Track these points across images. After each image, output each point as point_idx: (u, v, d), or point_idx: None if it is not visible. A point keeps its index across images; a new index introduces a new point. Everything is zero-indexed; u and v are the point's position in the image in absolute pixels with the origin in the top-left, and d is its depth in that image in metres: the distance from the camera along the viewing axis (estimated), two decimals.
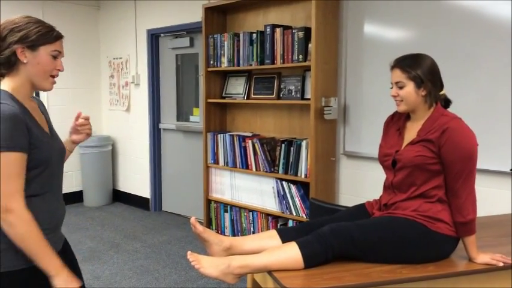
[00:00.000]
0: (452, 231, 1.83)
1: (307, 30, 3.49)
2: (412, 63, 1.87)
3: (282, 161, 3.71)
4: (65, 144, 1.73)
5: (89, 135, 1.86)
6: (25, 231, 1.42)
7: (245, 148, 3.97)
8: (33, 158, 1.47)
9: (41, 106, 1.67)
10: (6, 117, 1.40)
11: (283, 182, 3.71)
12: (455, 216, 1.82)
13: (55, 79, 1.58)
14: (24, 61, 1.51)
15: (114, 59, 5.80)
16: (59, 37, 1.57)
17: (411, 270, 1.76)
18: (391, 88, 1.92)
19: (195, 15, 4.60)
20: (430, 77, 1.86)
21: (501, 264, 1.79)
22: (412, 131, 1.93)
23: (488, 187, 2.90)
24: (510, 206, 2.79)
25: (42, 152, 1.50)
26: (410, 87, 1.86)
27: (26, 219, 1.42)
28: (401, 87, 1.88)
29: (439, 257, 1.85)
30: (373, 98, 3.42)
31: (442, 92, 1.92)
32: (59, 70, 1.58)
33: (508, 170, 2.83)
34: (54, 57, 1.55)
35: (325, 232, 1.76)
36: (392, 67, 1.92)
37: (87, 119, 1.83)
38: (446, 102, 1.96)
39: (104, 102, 6.03)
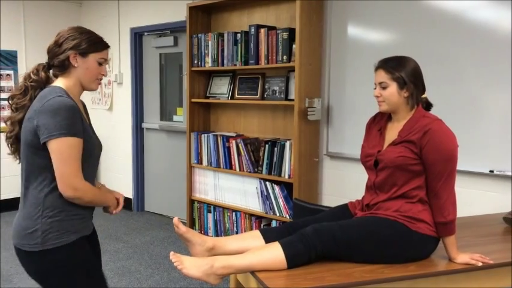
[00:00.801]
0: (433, 231, 1.86)
1: (291, 31, 3.50)
2: (396, 64, 1.90)
3: (265, 161, 3.72)
4: None
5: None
6: (90, 198, 1.76)
7: (229, 148, 3.96)
8: (84, 146, 1.71)
9: (85, 108, 1.94)
10: (68, 107, 1.66)
11: (267, 183, 3.72)
12: (436, 217, 1.84)
13: (101, 81, 1.88)
14: (75, 65, 1.77)
15: None
16: (106, 47, 1.83)
17: (392, 270, 1.77)
18: (375, 88, 1.95)
19: (179, 14, 4.58)
20: (412, 79, 1.89)
21: (480, 264, 1.82)
22: (392, 132, 1.95)
23: (468, 188, 2.95)
24: (489, 207, 2.84)
25: (88, 144, 1.74)
26: (393, 88, 1.89)
27: (88, 190, 1.74)
28: (384, 88, 1.90)
29: (419, 257, 1.87)
30: (356, 100, 3.45)
31: (424, 95, 1.96)
32: (103, 75, 1.85)
33: (487, 171, 2.89)
34: (100, 64, 1.82)
35: (308, 232, 1.77)
36: (377, 68, 1.94)
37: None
38: (428, 106, 1.99)
39: (86, 100, 5.89)
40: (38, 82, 1.78)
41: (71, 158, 1.66)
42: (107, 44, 1.85)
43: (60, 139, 1.64)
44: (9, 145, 1.84)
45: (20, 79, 1.82)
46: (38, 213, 1.71)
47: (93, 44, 1.78)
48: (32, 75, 1.79)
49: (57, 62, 1.77)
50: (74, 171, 1.68)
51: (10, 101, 1.80)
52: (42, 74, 1.80)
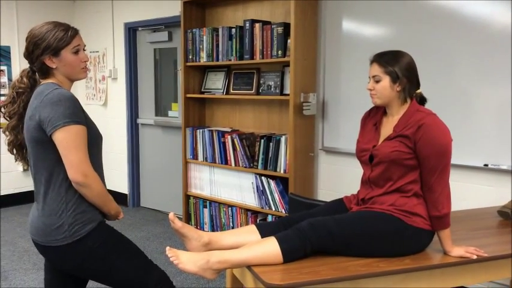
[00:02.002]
0: (428, 224, 1.87)
1: (286, 26, 3.49)
2: (390, 59, 1.90)
3: (261, 156, 3.72)
4: None
5: None
6: (100, 189, 1.76)
7: (224, 144, 3.96)
8: (88, 135, 1.73)
9: None
10: (68, 97, 1.68)
11: (263, 178, 3.72)
12: (431, 210, 1.85)
13: (86, 67, 1.85)
14: (54, 66, 1.77)
15: (90, 52, 5.70)
16: (74, 35, 1.79)
17: (388, 263, 1.79)
18: (369, 82, 1.95)
19: (173, 9, 4.56)
20: (406, 73, 1.89)
21: (475, 257, 1.84)
22: (388, 127, 1.96)
23: (462, 182, 2.96)
24: (484, 200, 2.85)
25: (92, 131, 1.77)
26: (386, 81, 1.89)
27: (98, 179, 1.75)
28: (377, 81, 1.91)
29: (415, 250, 1.88)
30: (351, 94, 3.45)
31: (418, 91, 1.96)
32: (85, 62, 1.83)
33: (481, 165, 2.90)
34: (76, 52, 1.79)
35: (304, 227, 1.78)
36: (371, 61, 1.95)
37: None
38: (422, 100, 2.00)
39: (80, 96, 5.92)
40: (24, 88, 1.81)
41: (78, 145, 1.67)
42: (75, 30, 1.80)
43: (65, 128, 1.65)
44: (12, 152, 1.88)
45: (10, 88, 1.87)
46: (61, 207, 1.74)
47: (60, 39, 1.75)
48: (17, 83, 1.82)
49: (36, 68, 1.79)
50: (83, 158, 1.68)
51: (2, 110, 1.84)
52: (25, 80, 1.82)
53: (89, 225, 1.77)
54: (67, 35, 1.77)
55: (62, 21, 1.83)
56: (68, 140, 1.66)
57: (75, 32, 1.80)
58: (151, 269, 1.89)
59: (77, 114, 1.68)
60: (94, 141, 1.79)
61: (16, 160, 1.91)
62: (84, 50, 1.83)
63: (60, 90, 1.71)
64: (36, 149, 1.75)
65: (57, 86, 1.74)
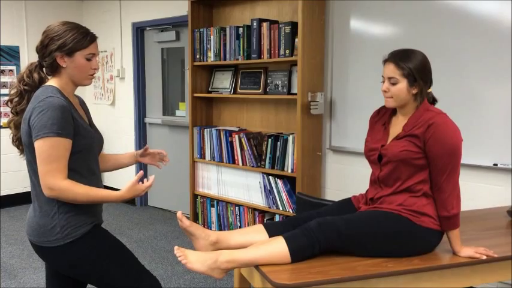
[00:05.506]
0: (437, 225, 1.86)
1: (293, 25, 3.49)
2: (407, 59, 1.84)
3: (268, 155, 3.71)
4: (129, 157, 2.17)
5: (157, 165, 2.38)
6: (72, 197, 1.69)
7: (231, 143, 3.96)
8: (78, 143, 1.73)
9: (82, 103, 1.96)
10: (56, 107, 1.66)
11: (270, 177, 3.72)
12: (440, 211, 1.84)
13: (94, 75, 1.84)
14: (64, 66, 1.76)
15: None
16: (92, 41, 1.79)
17: (396, 263, 1.78)
18: (382, 82, 1.91)
19: (181, 8, 4.57)
20: (422, 75, 1.85)
21: (484, 257, 1.82)
22: (397, 126, 1.94)
23: (472, 181, 2.94)
24: (493, 200, 2.83)
25: (85, 139, 1.76)
26: (403, 84, 1.85)
27: (68, 190, 1.68)
28: (394, 84, 1.86)
29: (423, 251, 1.87)
30: (359, 94, 3.44)
31: (429, 90, 1.93)
32: (94, 69, 1.82)
33: (491, 164, 2.88)
34: (89, 59, 1.79)
35: (312, 226, 1.77)
36: (386, 61, 1.89)
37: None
38: (433, 100, 1.97)
39: (88, 95, 5.95)
40: (31, 86, 1.80)
41: (49, 157, 1.66)
42: (93, 36, 1.81)
43: (43, 139, 1.65)
44: (18, 147, 1.88)
45: (15, 80, 1.84)
46: (53, 209, 1.75)
47: (77, 41, 1.75)
48: (25, 78, 1.80)
49: (46, 63, 1.78)
50: (50, 171, 1.66)
51: (9, 104, 1.82)
52: (35, 75, 1.80)
53: (82, 229, 1.77)
54: (85, 39, 1.77)
55: (70, 21, 1.84)
56: (41, 151, 1.66)
57: (93, 39, 1.80)
58: (143, 275, 1.88)
59: (60, 126, 1.66)
60: (86, 148, 1.78)
61: (21, 154, 1.89)
62: (96, 58, 1.83)
63: (52, 99, 1.68)
64: (28, 151, 1.76)
65: (54, 93, 1.72)
